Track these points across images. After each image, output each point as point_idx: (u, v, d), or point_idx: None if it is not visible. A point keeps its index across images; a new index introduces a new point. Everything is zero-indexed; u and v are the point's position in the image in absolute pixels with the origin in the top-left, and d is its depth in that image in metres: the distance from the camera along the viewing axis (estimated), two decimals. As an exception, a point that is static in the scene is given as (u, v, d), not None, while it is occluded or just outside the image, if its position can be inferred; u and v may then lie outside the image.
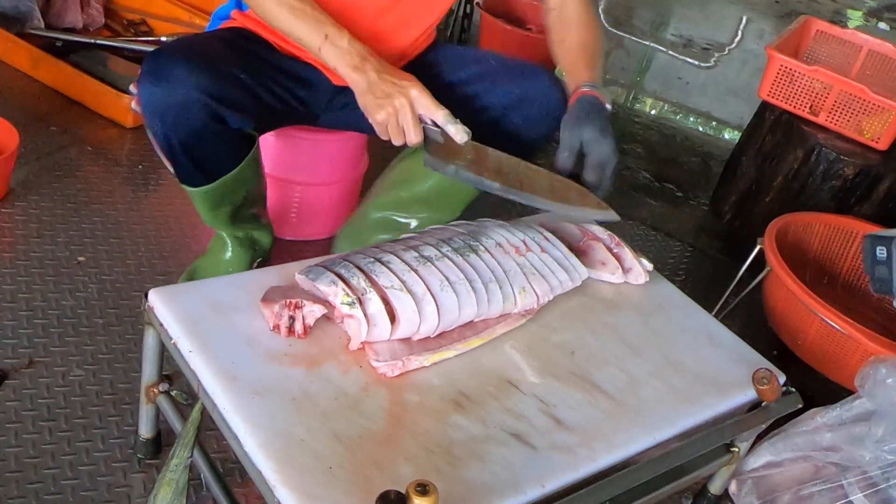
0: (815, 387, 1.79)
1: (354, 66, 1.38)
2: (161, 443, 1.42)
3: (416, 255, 1.28)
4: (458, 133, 1.37)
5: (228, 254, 1.70)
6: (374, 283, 1.21)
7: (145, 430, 1.39)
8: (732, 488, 1.56)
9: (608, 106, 1.50)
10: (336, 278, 1.20)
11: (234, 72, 1.45)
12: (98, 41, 2.48)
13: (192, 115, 1.39)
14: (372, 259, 1.25)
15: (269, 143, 1.85)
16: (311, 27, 1.40)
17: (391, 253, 1.27)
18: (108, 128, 2.27)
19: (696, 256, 2.49)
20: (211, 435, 1.46)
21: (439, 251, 1.30)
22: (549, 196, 1.42)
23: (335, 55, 1.39)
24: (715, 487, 1.53)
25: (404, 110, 1.35)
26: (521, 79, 1.63)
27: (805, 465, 1.52)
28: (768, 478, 1.53)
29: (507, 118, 1.62)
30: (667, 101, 3.68)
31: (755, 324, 2.11)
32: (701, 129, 3.53)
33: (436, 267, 1.27)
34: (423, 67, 1.69)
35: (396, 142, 1.39)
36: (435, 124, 1.38)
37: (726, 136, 3.49)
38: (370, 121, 1.39)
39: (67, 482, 1.34)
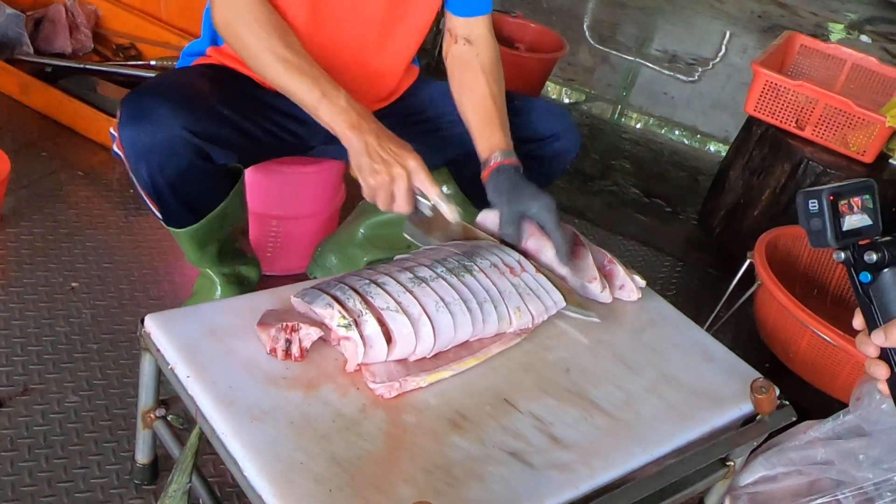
0: (806, 399, 1.80)
1: (351, 124, 1.36)
2: (158, 468, 1.41)
3: (411, 276, 1.28)
4: (451, 213, 1.37)
5: (218, 293, 1.68)
6: (369, 305, 1.22)
7: (142, 456, 1.38)
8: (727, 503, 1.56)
9: (520, 166, 1.52)
10: (332, 300, 1.21)
11: (217, 108, 1.44)
12: (87, 66, 2.49)
13: (177, 154, 1.37)
14: (367, 281, 1.26)
15: (245, 178, 1.83)
16: (307, 85, 1.38)
17: (386, 274, 1.28)
18: (99, 152, 2.27)
19: (686, 271, 2.50)
20: (208, 459, 1.46)
21: (434, 272, 1.31)
22: None
23: (331, 114, 1.37)
24: (711, 502, 1.54)
25: (401, 181, 1.35)
26: (546, 118, 1.67)
27: (799, 478, 1.53)
28: (763, 493, 1.53)
29: (536, 151, 1.66)
30: (652, 116, 3.71)
31: (746, 337, 2.12)
32: (686, 142, 3.56)
33: (431, 288, 1.27)
34: (426, 103, 1.71)
35: (382, 207, 1.38)
36: (425, 197, 1.39)
37: (711, 149, 3.52)
38: (361, 181, 1.38)
39: (65, 510, 1.34)
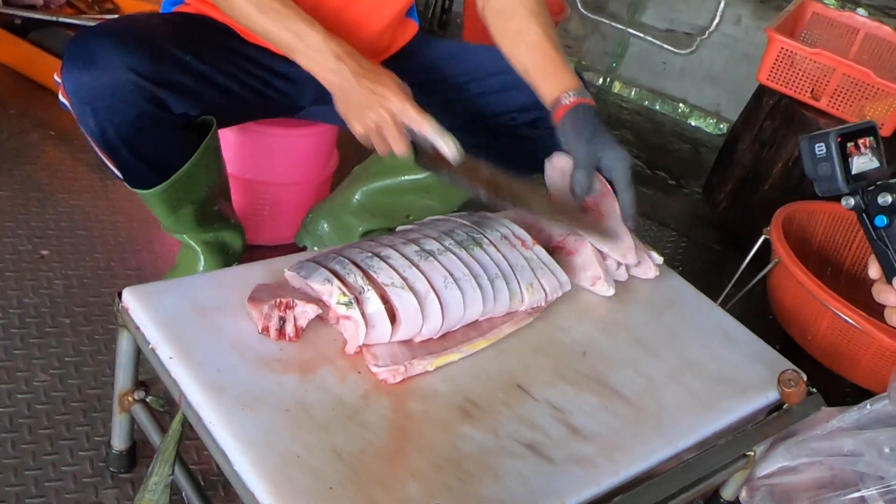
0: (819, 384, 1.72)
1: (330, 69, 1.26)
2: (136, 455, 1.31)
3: (417, 248, 1.18)
4: (449, 149, 1.25)
5: (201, 264, 1.57)
6: (372, 281, 1.11)
7: (119, 442, 1.27)
8: (743, 495, 1.47)
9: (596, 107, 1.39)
10: (331, 276, 1.10)
11: (176, 52, 1.32)
12: (60, 19, 2.35)
13: (126, 100, 1.25)
14: (369, 254, 1.15)
15: (231, 141, 1.71)
16: (282, 25, 1.27)
17: (390, 247, 1.17)
18: (73, 111, 2.14)
19: (692, 247, 2.42)
20: (190, 445, 1.35)
21: (442, 245, 1.20)
22: (547, 215, 1.33)
23: (309, 58, 1.27)
24: (727, 493, 1.46)
25: (386, 124, 1.24)
26: None
27: (821, 470, 1.45)
28: (783, 485, 1.45)
29: (546, 121, 1.50)
30: (643, 87, 3.60)
31: (754, 316, 2.03)
32: (669, 113, 3.45)
33: (438, 262, 1.17)
34: (428, 64, 1.58)
35: (381, 153, 1.28)
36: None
37: (693, 123, 3.40)
38: (351, 130, 1.29)
39: (33, 500, 1.23)
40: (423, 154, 1.28)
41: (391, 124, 1.24)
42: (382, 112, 1.24)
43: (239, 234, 1.62)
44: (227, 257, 1.60)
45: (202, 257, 1.56)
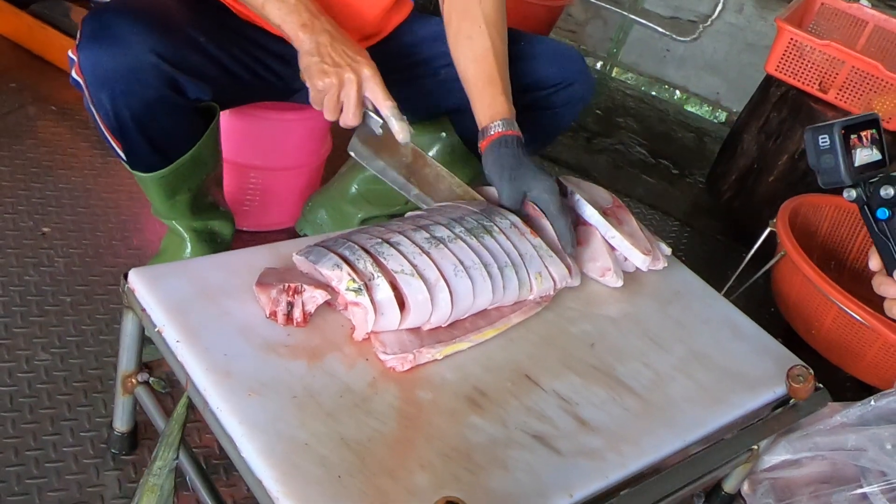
0: (822, 377, 1.72)
1: (303, 23, 1.23)
2: (138, 436, 1.29)
3: (427, 235, 1.16)
4: (402, 132, 1.25)
5: (188, 251, 1.53)
6: (382, 268, 1.09)
7: (121, 424, 1.26)
8: (745, 489, 1.47)
9: (522, 138, 1.37)
10: (340, 261, 1.08)
11: (192, 34, 1.29)
12: (62, -9, 2.31)
13: (145, 83, 1.21)
14: (379, 240, 1.13)
15: (223, 125, 1.64)
16: None
17: (400, 233, 1.15)
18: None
19: (694, 237, 2.41)
20: (192, 427, 1.34)
21: (452, 232, 1.18)
22: None
23: (280, 11, 1.24)
24: (729, 486, 1.45)
25: (350, 87, 1.22)
26: (557, 62, 1.53)
27: (822, 464, 1.44)
28: (784, 479, 1.45)
29: (546, 100, 1.52)
30: (643, 73, 3.58)
31: (756, 308, 2.03)
32: (661, 97, 3.43)
33: (449, 249, 1.15)
34: (422, 43, 1.56)
35: (329, 116, 1.25)
36: (377, 113, 1.25)
37: (688, 109, 3.38)
38: (308, 84, 1.24)
39: (33, 481, 1.22)
40: (364, 135, 1.25)
41: (355, 89, 1.22)
42: (352, 75, 1.21)
43: (229, 223, 1.59)
44: (215, 245, 1.56)
45: (189, 245, 1.53)
